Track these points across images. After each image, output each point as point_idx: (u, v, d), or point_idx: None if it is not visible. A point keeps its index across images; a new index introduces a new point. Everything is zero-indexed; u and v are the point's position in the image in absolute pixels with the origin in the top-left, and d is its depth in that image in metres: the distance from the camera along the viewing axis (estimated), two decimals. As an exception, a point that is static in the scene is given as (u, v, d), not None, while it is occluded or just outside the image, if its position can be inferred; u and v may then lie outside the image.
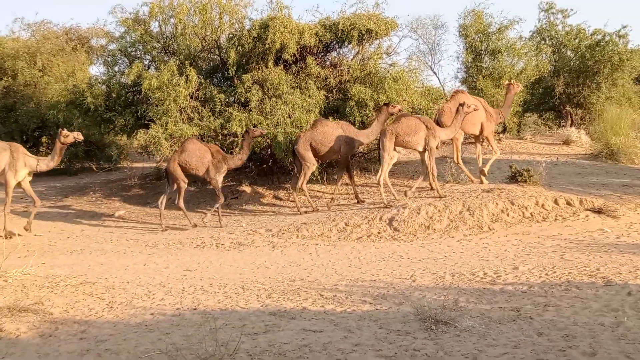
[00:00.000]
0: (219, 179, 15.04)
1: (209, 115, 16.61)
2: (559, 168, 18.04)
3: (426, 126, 14.94)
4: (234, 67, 17.12)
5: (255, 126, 15.94)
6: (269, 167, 18.26)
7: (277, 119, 16.02)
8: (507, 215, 13.37)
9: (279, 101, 16.38)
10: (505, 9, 40.78)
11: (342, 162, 15.87)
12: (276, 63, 17.23)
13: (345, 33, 17.23)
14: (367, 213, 13.95)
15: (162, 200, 15.26)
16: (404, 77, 17.46)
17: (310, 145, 15.35)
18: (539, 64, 23.47)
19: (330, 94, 17.74)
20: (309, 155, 15.34)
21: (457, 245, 11.91)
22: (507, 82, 17.69)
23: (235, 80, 17.12)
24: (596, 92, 24.29)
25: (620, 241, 11.34)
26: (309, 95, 16.74)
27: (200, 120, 16.58)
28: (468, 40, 23.01)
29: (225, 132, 16.44)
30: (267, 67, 16.94)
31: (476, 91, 21.74)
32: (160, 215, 15.24)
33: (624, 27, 24.29)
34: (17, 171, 14.39)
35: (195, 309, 7.92)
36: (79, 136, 14.43)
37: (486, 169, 16.15)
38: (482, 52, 22.96)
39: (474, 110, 15.26)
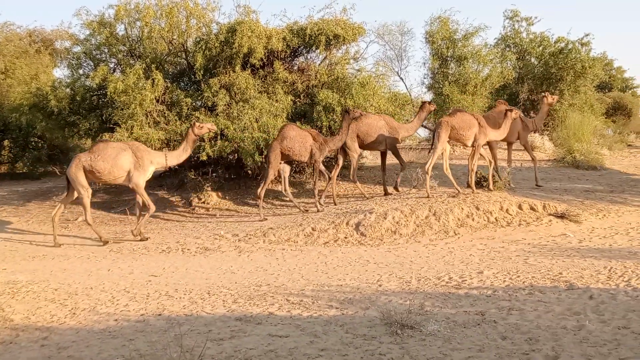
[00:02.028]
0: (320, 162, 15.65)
1: (176, 120, 16.50)
2: (523, 174, 18.29)
3: (479, 123, 15.34)
4: (201, 71, 17.02)
5: (222, 131, 15.90)
6: (236, 172, 18.18)
7: (244, 124, 15.96)
8: (473, 220, 13.51)
9: (246, 105, 16.33)
10: (470, 16, 41.34)
11: (393, 152, 16.55)
12: (243, 67, 17.19)
13: (312, 38, 17.27)
14: (333, 218, 13.97)
15: (262, 189, 15.48)
16: (371, 83, 17.57)
17: (357, 136, 16.04)
18: (503, 71, 23.78)
19: (298, 99, 17.75)
20: (355, 145, 16.10)
21: (423, 249, 11.98)
22: (542, 94, 18.37)
23: (202, 85, 17.04)
24: (559, 99, 24.68)
25: (582, 246, 11.53)
26: (277, 100, 16.73)
27: (166, 124, 16.46)
28: (434, 46, 23.23)
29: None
30: (234, 72, 16.89)
31: (442, 97, 21.96)
32: (260, 206, 15.54)
33: (587, 35, 24.83)
34: (145, 171, 14.37)
35: (160, 314, 7.84)
36: (212, 127, 14.62)
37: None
38: (448, 58, 23.19)
39: (516, 117, 16.00)
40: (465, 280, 9.15)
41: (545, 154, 22.75)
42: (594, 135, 22.45)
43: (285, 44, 17.29)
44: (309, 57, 19.22)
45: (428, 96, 24.93)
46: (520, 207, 14.02)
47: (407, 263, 10.76)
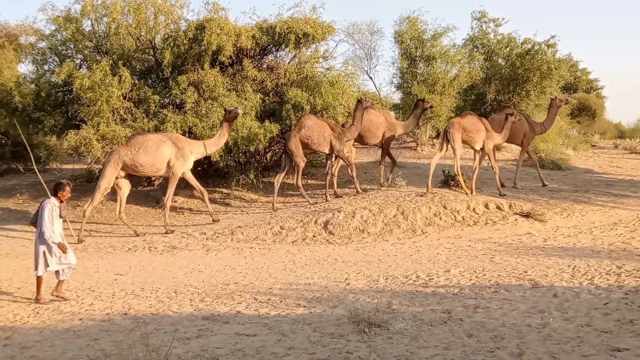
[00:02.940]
0: (343, 150, 15.82)
1: (143, 117, 16.33)
2: (490, 173, 18.46)
3: (485, 128, 15.82)
4: (169, 68, 16.88)
5: (190, 129, 15.80)
6: (204, 169, 18.06)
7: (213, 122, 15.88)
8: (440, 219, 13.62)
9: (214, 103, 16.24)
10: (439, 17, 41.65)
11: (385, 149, 17.03)
12: (212, 65, 17.08)
13: (282, 36, 17.24)
14: (302, 216, 13.96)
15: (279, 179, 15.72)
16: (341, 82, 17.60)
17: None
18: (471, 71, 23.96)
19: (267, 97, 17.69)
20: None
21: (391, 248, 12.05)
22: (551, 96, 18.80)
23: (170, 82, 16.89)
24: (526, 99, 24.98)
25: (547, 244, 11.70)
26: (245, 98, 16.66)
27: (133, 121, 16.28)
28: (403, 46, 23.31)
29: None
30: (203, 69, 16.77)
31: (411, 97, 22.07)
32: (274, 195, 15.70)
33: (553, 36, 25.09)
34: (186, 161, 14.46)
35: (125, 314, 7.77)
36: (238, 111, 14.59)
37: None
38: (417, 58, 23.29)
39: (518, 120, 16.51)
40: (433, 278, 9.23)
41: (511, 154, 23.03)
42: (559, 136, 22.80)
43: (254, 42, 17.24)
44: (278, 56, 19.18)
45: (397, 96, 25.06)
46: (486, 206, 14.18)
47: (375, 262, 10.81)
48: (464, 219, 13.68)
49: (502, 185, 16.38)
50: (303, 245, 12.73)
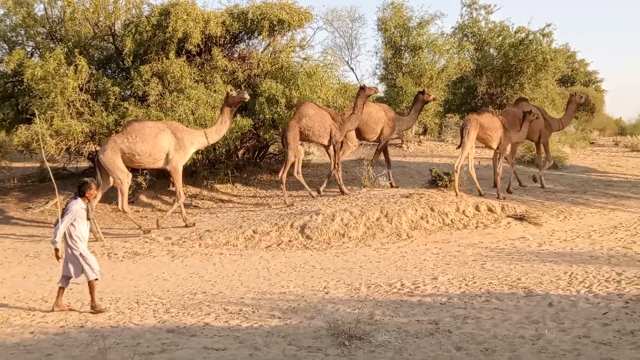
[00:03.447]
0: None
1: (102, 110, 16.19)
2: (481, 172, 18.59)
3: (503, 125, 16.10)
4: (131, 57, 16.76)
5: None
6: (170, 168, 17.97)
7: (179, 116, 15.79)
8: (427, 222, 13.68)
9: (181, 96, 16.15)
10: (426, 3, 41.86)
11: (382, 145, 17.08)
12: (178, 54, 16.99)
13: (255, 23, 17.21)
14: (277, 220, 13.95)
15: (297, 170, 15.98)
16: (319, 73, 17.60)
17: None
18: (461, 62, 24.10)
19: (238, 89, 17.62)
20: (351, 134, 16.57)
21: (373, 254, 12.07)
22: (570, 93, 19.11)
23: (132, 72, 16.77)
24: (520, 93, 25.16)
25: (542, 249, 11.81)
26: (215, 90, 16.60)
27: (91, 115, 16.13)
28: (387, 34, 23.38)
29: (120, 130, 16.00)
30: (168, 58, 16.68)
31: (395, 89, 22.15)
32: (282, 190, 15.81)
33: (548, 25, 25.34)
34: (186, 153, 14.50)
35: (82, 326, 7.71)
36: (245, 95, 14.63)
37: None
38: (402, 47, 23.39)
39: (536, 118, 16.77)
40: (419, 287, 9.26)
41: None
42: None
43: (224, 29, 17.17)
44: (250, 44, 19.16)
45: (380, 88, 25.12)
46: (477, 208, 14.27)
47: (356, 268, 10.83)
48: (452, 222, 13.75)
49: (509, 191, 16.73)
50: (278, 250, 12.71)
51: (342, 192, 15.67)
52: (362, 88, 15.85)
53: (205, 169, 17.37)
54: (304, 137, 15.70)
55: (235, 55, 18.62)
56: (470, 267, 10.53)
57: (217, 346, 6.77)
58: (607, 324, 7.09)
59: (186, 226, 14.26)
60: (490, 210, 14.24)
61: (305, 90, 16.90)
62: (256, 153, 19.85)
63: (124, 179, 14.00)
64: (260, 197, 16.90)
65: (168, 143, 14.27)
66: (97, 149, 17.40)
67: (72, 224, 8.40)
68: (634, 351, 6.22)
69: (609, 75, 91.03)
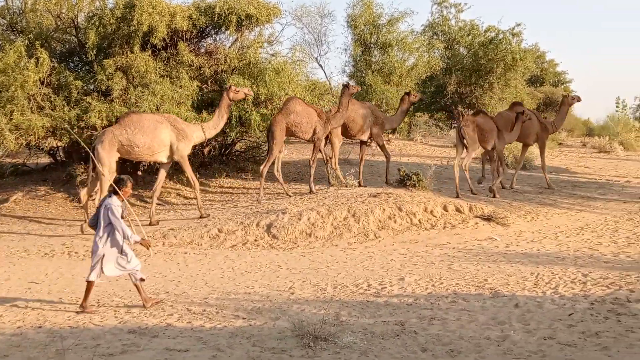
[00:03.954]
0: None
1: (63, 105, 15.98)
2: (449, 172, 18.71)
3: (497, 127, 16.58)
4: (94, 51, 16.55)
5: (117, 118, 15.56)
6: (133, 165, 17.79)
7: (144, 111, 15.64)
8: (395, 222, 13.74)
9: (145, 91, 16.02)
10: (396, 0, 42.03)
11: (377, 143, 17.36)
12: (143, 48, 16.84)
13: (222, 17, 17.13)
14: (242, 218, 13.91)
15: (277, 167, 16.07)
16: (287, 69, 17.60)
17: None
18: (430, 61, 24.28)
19: (205, 85, 17.57)
20: (337, 131, 16.62)
21: (340, 254, 12.10)
22: (562, 94, 19.53)
23: (95, 66, 16.58)
24: (489, 92, 25.43)
25: (509, 250, 11.93)
26: (181, 86, 16.50)
27: (52, 110, 15.92)
28: (357, 31, 23.47)
29: (83, 125, 15.83)
30: (132, 52, 16.53)
31: (365, 87, 22.22)
32: (282, 183, 16.08)
33: (518, 24, 25.59)
34: (190, 142, 14.59)
35: (40, 327, 7.61)
36: (250, 92, 14.94)
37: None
38: (372, 45, 23.50)
39: (529, 119, 17.21)
40: (385, 287, 9.31)
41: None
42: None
43: (191, 23, 17.06)
44: (218, 39, 19.08)
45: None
46: (445, 208, 14.37)
47: (322, 269, 10.84)
48: (420, 222, 13.83)
49: (503, 187, 17.37)
50: (243, 250, 12.68)
51: (311, 191, 15.72)
52: (346, 86, 16.03)
53: (170, 167, 17.23)
54: (290, 133, 15.81)
55: (202, 51, 18.52)
56: (437, 267, 10.61)
57: (179, 347, 6.74)
58: (572, 325, 7.19)
59: (201, 217, 14.49)
60: (458, 210, 14.34)
61: (273, 87, 16.89)
62: (222, 151, 19.76)
63: (108, 177, 13.57)
64: (226, 195, 16.84)
65: (168, 135, 14.28)
66: (59, 144, 17.26)
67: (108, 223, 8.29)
68: (599, 352, 6.32)
69: (578, 76, 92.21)
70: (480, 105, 25.33)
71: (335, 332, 6.95)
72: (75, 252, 12.51)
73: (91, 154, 12.25)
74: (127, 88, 16.27)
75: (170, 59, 17.26)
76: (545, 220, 14.50)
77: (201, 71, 17.44)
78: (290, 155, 21.34)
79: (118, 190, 8.39)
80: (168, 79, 16.67)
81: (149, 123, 14.16)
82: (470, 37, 26.45)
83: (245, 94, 14.96)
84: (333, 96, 21.33)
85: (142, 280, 8.52)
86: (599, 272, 9.74)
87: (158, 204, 16.03)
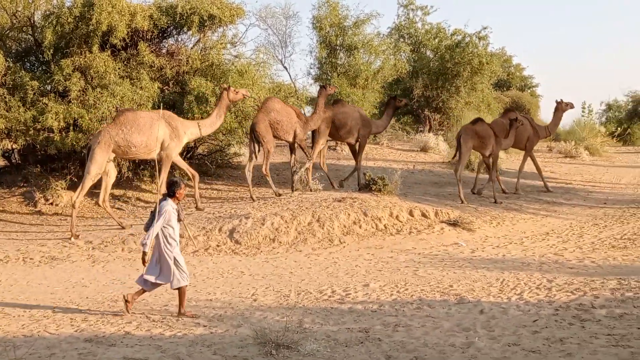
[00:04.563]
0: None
1: (19, 106, 15.72)
2: (415, 177, 18.91)
3: (495, 133, 17.20)
4: (51, 50, 16.34)
5: (75, 121, 15.40)
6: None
7: (102, 113, 15.50)
8: (360, 227, 13.78)
9: (104, 92, 15.84)
10: (362, 2, 42.31)
11: (360, 146, 17.49)
12: (102, 48, 16.67)
13: (184, 17, 17.03)
14: (204, 223, 13.84)
15: (249, 167, 15.93)
16: (251, 71, 17.57)
17: (333, 123, 16.78)
18: (397, 63, 24.43)
19: (166, 87, 17.45)
20: (325, 132, 16.85)
21: (304, 260, 12.11)
22: (556, 100, 19.78)
23: (53, 66, 16.36)
24: (455, 96, 25.68)
25: (474, 256, 12.05)
26: (141, 87, 16.35)
27: (7, 111, 15.65)
28: (322, 33, 23.52)
29: (39, 127, 15.60)
30: (91, 52, 16.34)
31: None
32: (249, 185, 15.98)
33: (485, 28, 25.97)
34: (181, 142, 14.62)
35: (-8, 336, 7.49)
36: (247, 93, 15.30)
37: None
38: (338, 47, 23.57)
39: (521, 124, 17.88)
40: (350, 293, 9.33)
41: (439, 156, 23.58)
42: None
43: (152, 22, 16.93)
44: (179, 40, 18.96)
45: (314, 88, 25.23)
46: (411, 213, 14.45)
47: (286, 275, 10.84)
48: (386, 228, 13.90)
49: (504, 192, 18.00)
50: (205, 256, 12.63)
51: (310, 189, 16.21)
52: (324, 87, 16.46)
53: (130, 170, 17.08)
54: (272, 132, 15.98)
55: (164, 51, 18.40)
56: (402, 273, 10.66)
57: (137, 356, 6.67)
58: (537, 331, 7.27)
59: (197, 209, 14.97)
60: (424, 215, 14.44)
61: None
62: (184, 154, 19.64)
63: (92, 175, 13.98)
64: (188, 200, 16.72)
65: (163, 133, 14.35)
66: (14, 146, 17.02)
67: (165, 225, 8.22)
68: (563, 359, 6.40)
69: (544, 81, 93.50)
70: (446, 109, 25.60)
71: (298, 339, 6.94)
72: (30, 258, 12.35)
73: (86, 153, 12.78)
74: (86, 89, 16.07)
75: (131, 60, 17.10)
76: (511, 226, 14.68)
77: (162, 72, 17.33)
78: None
79: (173, 192, 8.39)
80: (128, 80, 16.51)
81: (144, 121, 14.28)
82: (436, 40, 26.72)
83: (243, 95, 15.31)
84: (298, 99, 21.32)
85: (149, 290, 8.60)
86: (564, 277, 9.87)
87: (119, 209, 15.91)
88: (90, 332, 7.56)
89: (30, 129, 15.60)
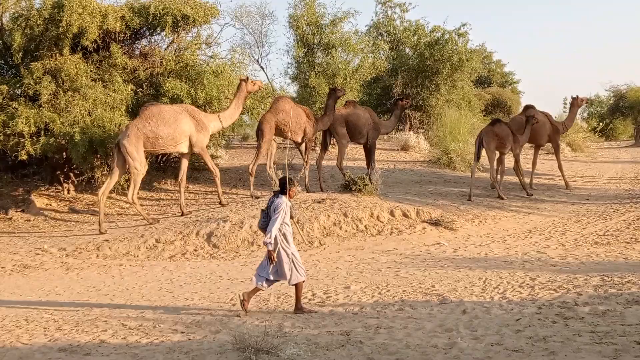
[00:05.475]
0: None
1: (-12, 110, 15.63)
2: (396, 176, 18.94)
3: (512, 132, 17.81)
4: (20, 54, 16.22)
5: (47, 125, 15.29)
6: (65, 174, 17.48)
7: (75, 117, 15.42)
8: (340, 228, 13.79)
9: (76, 96, 15.77)
10: (339, 0, 42.28)
11: (371, 146, 17.63)
12: (73, 50, 16.56)
13: (157, 18, 16.97)
14: (181, 228, 13.79)
15: (254, 163, 16.15)
16: (226, 72, 17.56)
17: (346, 125, 16.98)
18: (375, 62, 24.44)
19: (140, 89, 17.39)
20: (343, 131, 16.95)
21: (284, 263, 12.06)
22: (571, 96, 20.41)
23: (22, 69, 16.24)
24: (435, 93, 25.71)
25: (457, 255, 12.09)
26: (114, 90, 16.27)
27: (-24, 115, 15.55)
28: (299, 32, 23.48)
29: (9, 132, 15.46)
30: (62, 55, 16.23)
31: (308, 89, 22.28)
32: (250, 184, 16.39)
33: (464, 24, 25.98)
34: (208, 132, 15.19)
35: (-37, 347, 7.42)
36: (262, 85, 16.04)
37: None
38: (315, 46, 23.54)
39: (536, 122, 18.38)
40: (330, 296, 9.33)
41: (420, 155, 23.64)
42: (471, 135, 23.56)
43: (124, 24, 16.85)
44: (153, 41, 18.91)
45: (292, 88, 25.23)
46: (392, 213, 14.48)
47: (265, 278, 10.80)
48: (366, 228, 13.92)
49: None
50: (183, 260, 12.58)
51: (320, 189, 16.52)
52: (333, 89, 16.67)
53: (104, 175, 16.97)
54: (279, 132, 16.20)
55: (137, 53, 18.34)
56: (384, 274, 10.67)
57: (113, 365, 6.64)
58: (520, 330, 7.30)
59: (221, 204, 15.40)
60: (405, 215, 14.47)
61: (212, 90, 16.82)
62: (159, 157, 19.56)
63: (140, 170, 14.44)
64: (164, 204, 16.66)
65: (189, 126, 14.81)
66: None
67: (282, 223, 8.36)
68: (546, 358, 6.42)
69: (525, 77, 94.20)
70: (427, 107, 25.64)
71: (278, 344, 6.92)
72: (2, 267, 12.24)
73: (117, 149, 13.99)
74: (57, 92, 15.97)
75: (103, 62, 17.01)
76: (493, 224, 14.75)
77: (136, 74, 17.25)
78: (232, 161, 21.26)
79: (287, 190, 8.57)
80: (100, 82, 16.43)
81: (169, 114, 14.71)
82: (415, 37, 26.75)
83: (259, 86, 16.00)
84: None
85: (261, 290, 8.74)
86: (546, 275, 9.93)
87: (93, 214, 15.82)
88: (64, 342, 7.51)
89: (0, 134, 15.47)
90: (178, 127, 14.70)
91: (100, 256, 12.83)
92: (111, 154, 15.00)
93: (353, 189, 15.73)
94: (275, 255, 8.36)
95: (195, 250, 13.03)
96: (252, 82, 15.67)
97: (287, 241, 8.44)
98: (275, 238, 8.32)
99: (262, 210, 8.59)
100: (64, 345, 7.36)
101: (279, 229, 8.34)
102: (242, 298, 8.49)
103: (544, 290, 9.00)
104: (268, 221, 8.43)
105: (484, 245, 12.91)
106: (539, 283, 9.41)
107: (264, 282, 8.50)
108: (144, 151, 14.65)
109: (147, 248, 13.10)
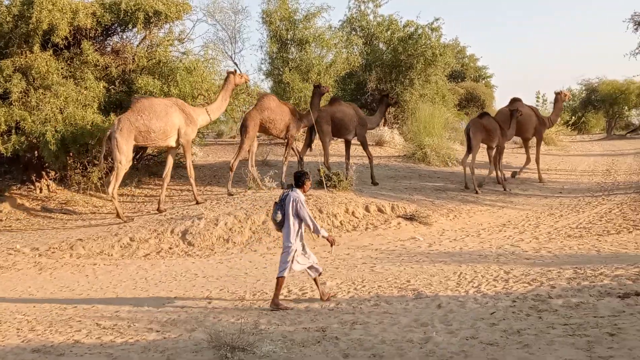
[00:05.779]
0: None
1: (-43, 109, 15.44)
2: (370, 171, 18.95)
3: (500, 126, 18.28)
4: (-11, 51, 16.07)
5: (17, 124, 15.15)
6: (37, 173, 17.33)
7: (46, 115, 15.28)
8: (315, 224, 13.79)
9: (47, 93, 15.63)
10: (312, -5, 42.33)
11: (362, 142, 17.95)
12: (44, 47, 16.42)
13: (129, 14, 16.88)
14: (156, 226, 13.73)
15: (235, 159, 16.13)
16: (200, 68, 17.49)
17: (332, 121, 17.11)
18: (349, 57, 24.49)
19: (112, 86, 17.26)
20: (328, 129, 17.06)
21: (259, 260, 12.09)
22: (555, 91, 21.15)
23: (-9, 67, 16.07)
24: (409, 88, 25.79)
25: (432, 250, 12.16)
26: (86, 87, 16.16)
27: (-56, 114, 15.36)
28: (272, 27, 23.47)
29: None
30: (32, 52, 16.08)
31: (282, 85, 22.26)
32: (229, 180, 16.20)
33: (437, 19, 26.09)
34: (196, 127, 15.20)
35: None
36: (248, 78, 16.31)
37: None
38: (288, 41, 23.54)
39: (520, 115, 18.78)
40: (306, 292, 9.35)
41: (395, 150, 23.72)
42: (445, 129, 23.72)
43: (95, 20, 16.74)
44: (125, 37, 18.80)
45: (266, 84, 25.19)
46: (367, 209, 14.53)
47: (241, 275, 10.81)
48: (342, 224, 13.95)
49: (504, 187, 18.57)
50: (157, 259, 12.53)
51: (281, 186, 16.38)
52: (317, 87, 16.81)
53: (78, 173, 16.85)
54: (263, 129, 16.39)
55: (108, 49, 18.22)
56: (359, 270, 10.71)
57: (88, 365, 6.61)
58: (494, 324, 7.36)
59: (197, 203, 15.27)
60: (380, 210, 14.53)
61: (185, 87, 16.75)
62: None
63: (125, 165, 14.38)
64: (138, 202, 16.58)
65: (179, 119, 14.81)
66: None
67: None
68: (520, 350, 6.49)
69: (498, 71, 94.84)
70: (401, 102, 25.68)
71: (254, 341, 6.93)
72: (-25, 268, 12.12)
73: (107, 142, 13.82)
74: (28, 90, 15.82)
75: (74, 59, 16.88)
76: (467, 218, 14.86)
77: (108, 71, 17.13)
78: (206, 158, 21.21)
79: (302, 183, 8.60)
80: (72, 79, 16.30)
81: (160, 107, 14.72)
82: (389, 32, 26.83)
83: (246, 79, 16.36)
84: (249, 95, 21.24)
85: (319, 274, 8.84)
86: (521, 268, 10.02)
87: (66, 213, 15.72)
88: (37, 342, 7.45)
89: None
90: (169, 120, 14.76)
91: (74, 255, 12.74)
92: (100, 147, 15.15)
93: (328, 185, 15.75)
94: (332, 238, 8.82)
95: (170, 248, 12.99)
96: (239, 75, 15.92)
97: (296, 234, 8.59)
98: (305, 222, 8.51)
99: (275, 202, 8.65)
100: (38, 346, 7.31)
101: (295, 221, 8.50)
102: (321, 297, 8.81)
103: (518, 283, 9.08)
104: (284, 214, 8.51)
105: (458, 239, 13.01)
106: (513, 276, 9.49)
107: (312, 271, 8.76)
108: (134, 145, 14.67)
109: (121, 247, 13.03)
